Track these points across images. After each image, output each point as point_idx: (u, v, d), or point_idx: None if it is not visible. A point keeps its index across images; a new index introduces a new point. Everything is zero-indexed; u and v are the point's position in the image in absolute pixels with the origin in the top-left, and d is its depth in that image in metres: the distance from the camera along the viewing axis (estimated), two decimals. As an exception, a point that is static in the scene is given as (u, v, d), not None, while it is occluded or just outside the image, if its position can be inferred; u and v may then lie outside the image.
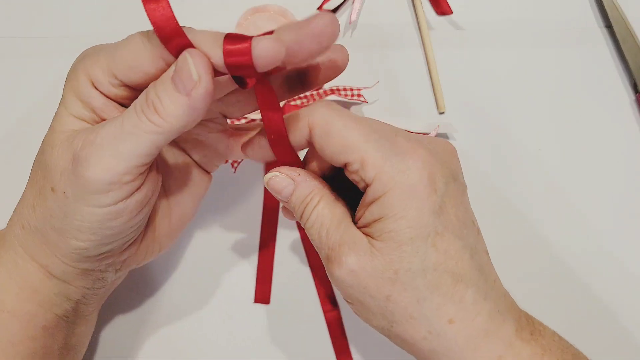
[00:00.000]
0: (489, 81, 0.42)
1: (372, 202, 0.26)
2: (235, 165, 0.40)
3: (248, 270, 0.39)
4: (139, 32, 0.25)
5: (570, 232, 0.40)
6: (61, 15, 0.44)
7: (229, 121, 0.33)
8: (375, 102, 0.42)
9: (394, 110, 0.42)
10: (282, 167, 0.29)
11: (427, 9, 0.43)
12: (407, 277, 0.25)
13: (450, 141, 0.41)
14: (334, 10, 0.43)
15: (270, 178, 0.28)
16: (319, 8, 0.42)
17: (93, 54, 0.26)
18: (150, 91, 0.24)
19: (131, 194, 0.26)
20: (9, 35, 0.43)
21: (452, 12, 0.42)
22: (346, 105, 0.41)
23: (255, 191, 0.41)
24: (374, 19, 0.43)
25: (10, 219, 0.30)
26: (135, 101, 0.25)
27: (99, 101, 0.26)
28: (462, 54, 0.42)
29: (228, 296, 0.39)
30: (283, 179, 0.28)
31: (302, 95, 0.40)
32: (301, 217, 0.28)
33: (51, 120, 0.28)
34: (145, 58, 0.25)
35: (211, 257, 0.40)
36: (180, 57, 0.23)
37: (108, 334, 0.39)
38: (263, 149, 0.29)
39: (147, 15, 0.23)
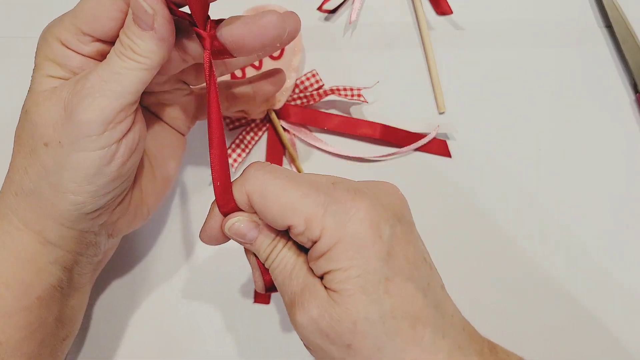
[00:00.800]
0: (489, 81, 0.42)
1: (319, 257, 0.26)
2: (235, 165, 0.40)
3: (248, 270, 0.39)
4: None
5: (570, 231, 0.40)
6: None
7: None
8: (375, 102, 0.42)
9: (394, 109, 0.42)
10: (240, 212, 0.28)
11: (427, 9, 0.43)
12: (365, 326, 0.25)
13: (450, 141, 0.41)
14: (334, 10, 0.43)
15: (233, 223, 0.28)
16: (319, 8, 0.42)
17: (55, 21, 0.28)
18: (122, 36, 0.27)
19: (123, 136, 0.27)
20: (9, 35, 0.43)
21: (452, 12, 0.42)
22: (346, 105, 0.42)
23: (255, 191, 0.41)
24: (374, 18, 0.43)
25: (0, 192, 0.30)
26: (114, 47, 0.27)
27: (76, 60, 0.28)
28: (462, 53, 0.42)
29: (228, 296, 0.39)
30: (247, 223, 0.28)
31: (301, 95, 0.40)
32: (267, 259, 0.28)
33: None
34: (105, 4, 0.27)
35: (211, 258, 0.40)
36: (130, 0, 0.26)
37: (105, 333, 0.39)
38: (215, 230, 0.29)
39: None
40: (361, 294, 0.25)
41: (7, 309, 0.29)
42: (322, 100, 0.40)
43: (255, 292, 0.39)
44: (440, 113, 0.42)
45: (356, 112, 0.42)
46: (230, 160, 0.40)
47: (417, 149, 0.41)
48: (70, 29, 0.27)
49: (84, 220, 0.29)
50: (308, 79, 0.41)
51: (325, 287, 0.26)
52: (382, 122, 0.40)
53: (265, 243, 0.28)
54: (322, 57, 0.42)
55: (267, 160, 0.40)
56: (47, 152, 0.27)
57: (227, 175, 0.28)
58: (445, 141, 0.41)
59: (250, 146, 0.40)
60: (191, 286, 0.39)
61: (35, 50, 0.28)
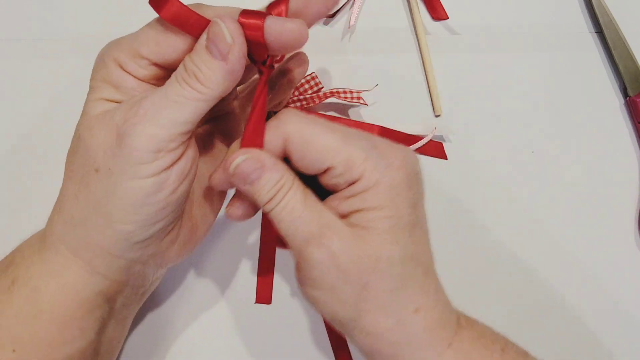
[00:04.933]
0: (484, 84, 0.43)
1: (351, 196, 0.27)
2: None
3: (249, 270, 0.40)
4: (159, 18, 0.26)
5: (561, 231, 0.41)
6: (60, 16, 0.44)
7: None
8: (374, 105, 0.42)
9: (391, 112, 0.42)
10: (252, 149, 0.27)
11: (424, 14, 0.44)
12: (386, 265, 0.26)
13: (446, 143, 0.42)
14: (333, 15, 0.44)
15: (242, 160, 0.27)
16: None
17: (114, 42, 0.27)
18: (187, 62, 0.26)
19: (173, 163, 0.26)
20: (14, 37, 0.43)
21: (447, 17, 0.43)
22: (345, 108, 0.42)
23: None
24: (372, 23, 0.44)
25: (49, 220, 0.29)
26: (175, 72, 0.26)
27: (131, 82, 0.27)
28: (457, 57, 0.43)
29: (229, 297, 0.39)
30: (252, 162, 0.26)
31: (301, 97, 0.41)
32: (270, 200, 0.27)
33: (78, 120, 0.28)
34: (170, 32, 0.26)
35: (212, 258, 0.40)
36: (213, 24, 0.25)
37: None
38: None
39: (161, 17, 0.25)
40: (389, 233, 0.26)
41: (51, 341, 0.28)
42: (321, 102, 0.41)
43: (257, 292, 0.39)
44: (437, 116, 0.42)
45: (354, 115, 0.42)
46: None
47: (414, 151, 0.42)
48: (127, 50, 0.26)
49: (133, 249, 0.28)
50: (307, 81, 0.41)
51: (350, 226, 0.27)
52: (380, 124, 0.41)
53: (270, 183, 0.27)
54: (321, 61, 0.43)
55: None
56: (97, 179, 0.26)
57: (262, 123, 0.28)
58: (441, 143, 0.42)
59: (250, 148, 0.41)
60: (191, 286, 0.40)
61: (92, 71, 0.28)
